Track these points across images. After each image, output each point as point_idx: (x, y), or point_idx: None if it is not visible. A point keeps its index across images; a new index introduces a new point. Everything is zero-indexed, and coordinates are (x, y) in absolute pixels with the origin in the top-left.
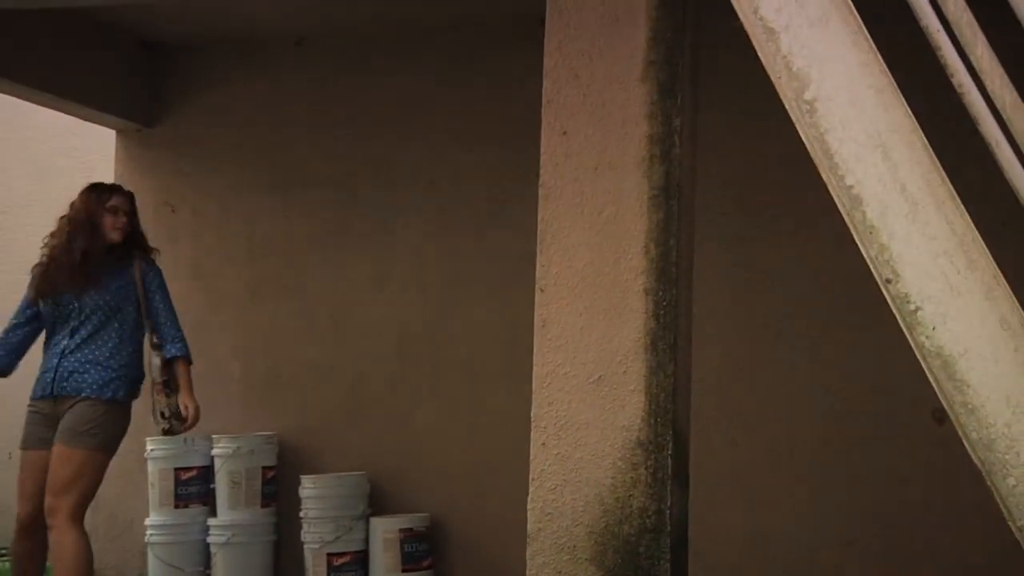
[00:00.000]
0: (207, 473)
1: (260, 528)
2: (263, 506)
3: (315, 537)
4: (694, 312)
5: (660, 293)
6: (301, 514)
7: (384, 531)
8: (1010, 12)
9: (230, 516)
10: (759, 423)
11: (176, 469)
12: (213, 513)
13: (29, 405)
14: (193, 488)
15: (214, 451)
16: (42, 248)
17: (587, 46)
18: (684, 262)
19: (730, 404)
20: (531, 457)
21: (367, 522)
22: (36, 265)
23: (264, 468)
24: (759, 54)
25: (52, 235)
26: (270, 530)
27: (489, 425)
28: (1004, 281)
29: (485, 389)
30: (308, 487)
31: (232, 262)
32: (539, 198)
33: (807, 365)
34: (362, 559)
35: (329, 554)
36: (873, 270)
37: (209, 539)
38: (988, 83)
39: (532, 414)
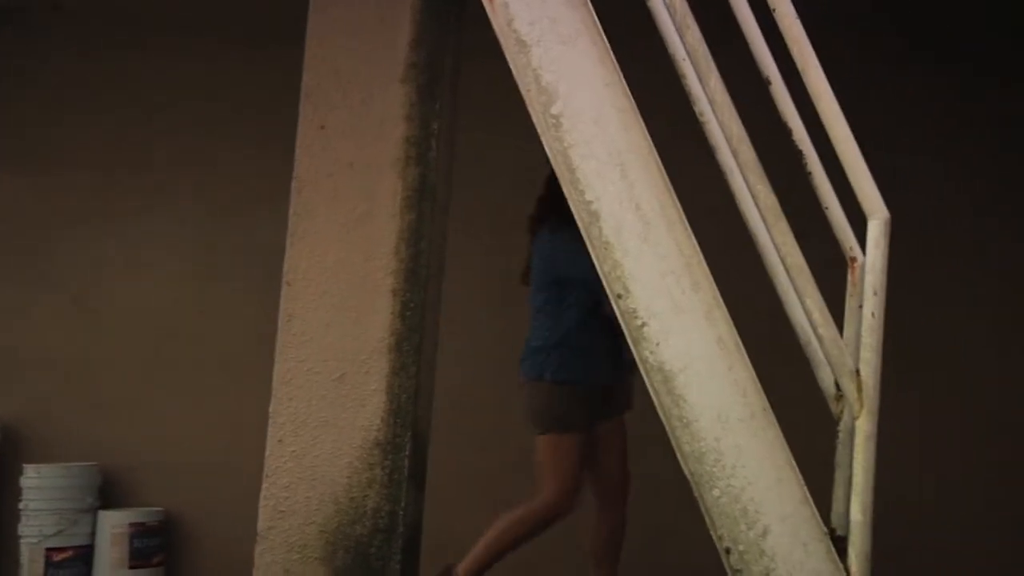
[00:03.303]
0: None
1: None
2: None
3: (34, 531)
4: (448, 315)
5: (408, 294)
6: (21, 505)
7: (112, 525)
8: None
9: None
10: (505, 428)
11: None
12: None
13: None
14: None
15: None
16: None
17: (349, 42)
18: (434, 265)
19: (479, 408)
20: (266, 453)
21: (95, 515)
22: None
23: None
24: (511, 65)
25: None
26: None
27: (236, 420)
28: (723, 303)
29: (235, 383)
30: (31, 476)
31: None
32: (292, 191)
33: None
34: (86, 555)
35: (48, 549)
36: (606, 285)
37: None
38: (719, 114)
39: (270, 410)
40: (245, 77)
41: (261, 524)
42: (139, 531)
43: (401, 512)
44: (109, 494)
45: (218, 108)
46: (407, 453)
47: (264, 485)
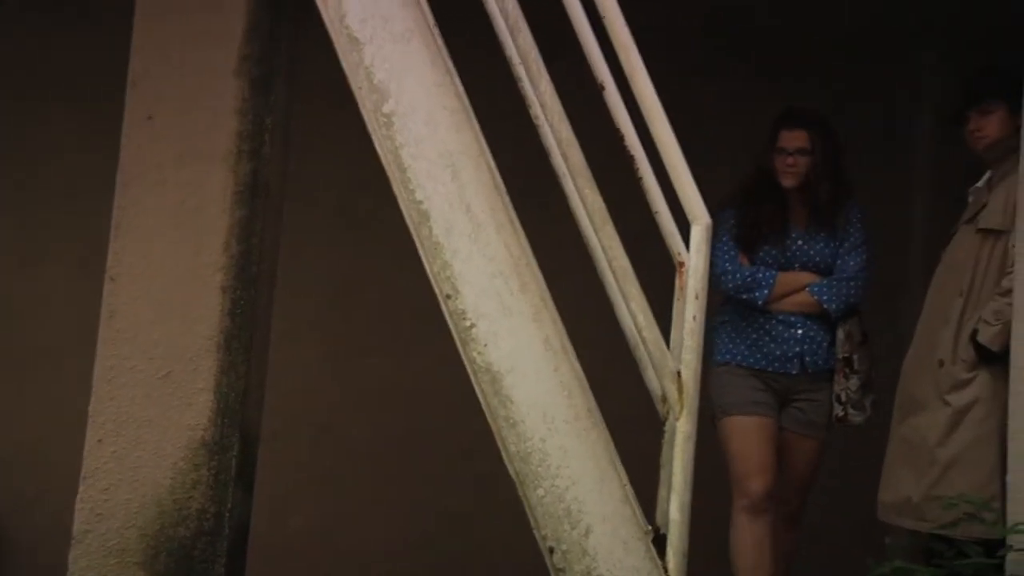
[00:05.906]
0: None
1: None
2: None
3: None
4: (287, 314)
5: (238, 292)
6: None
7: None
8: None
9: None
10: (345, 426)
11: None
12: None
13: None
14: None
15: None
16: None
17: (181, 29)
18: (266, 263)
19: (317, 407)
20: (84, 454)
21: None
22: None
23: None
24: (342, 62)
25: None
26: None
27: (59, 419)
28: (552, 304)
29: (56, 380)
30: None
31: None
32: (116, 183)
33: (395, 371)
34: None
35: None
36: (434, 285)
37: None
38: (548, 118)
39: (90, 409)
40: (71, 56)
41: (77, 528)
42: None
43: (227, 514)
44: None
45: (42, 88)
46: (234, 453)
47: (81, 487)
